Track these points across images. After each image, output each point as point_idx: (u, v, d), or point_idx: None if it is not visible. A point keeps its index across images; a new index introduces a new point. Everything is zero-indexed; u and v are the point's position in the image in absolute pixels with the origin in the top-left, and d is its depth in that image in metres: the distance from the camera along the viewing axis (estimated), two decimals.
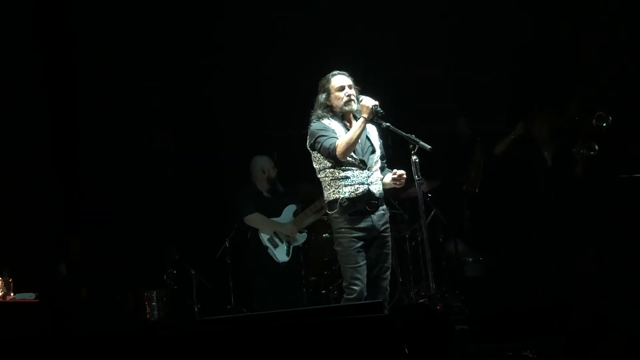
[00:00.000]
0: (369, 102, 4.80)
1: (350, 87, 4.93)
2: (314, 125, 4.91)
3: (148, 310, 6.83)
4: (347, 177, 4.83)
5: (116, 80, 7.68)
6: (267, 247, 6.59)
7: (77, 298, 7.14)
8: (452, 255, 7.36)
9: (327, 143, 4.80)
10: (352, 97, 4.90)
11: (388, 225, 4.95)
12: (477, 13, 7.59)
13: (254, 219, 6.60)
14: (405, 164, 4.88)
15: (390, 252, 4.94)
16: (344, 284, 4.84)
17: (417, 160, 4.80)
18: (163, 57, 7.69)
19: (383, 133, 5.08)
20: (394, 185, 4.91)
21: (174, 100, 7.80)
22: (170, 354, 3.93)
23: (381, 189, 4.93)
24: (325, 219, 6.41)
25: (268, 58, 7.71)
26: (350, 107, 4.91)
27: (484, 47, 7.59)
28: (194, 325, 4.77)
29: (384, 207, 4.96)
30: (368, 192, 4.83)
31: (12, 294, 5.98)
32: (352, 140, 4.74)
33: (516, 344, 4.63)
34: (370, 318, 3.90)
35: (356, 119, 4.89)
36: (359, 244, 4.79)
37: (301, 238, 6.77)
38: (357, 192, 4.81)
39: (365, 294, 4.75)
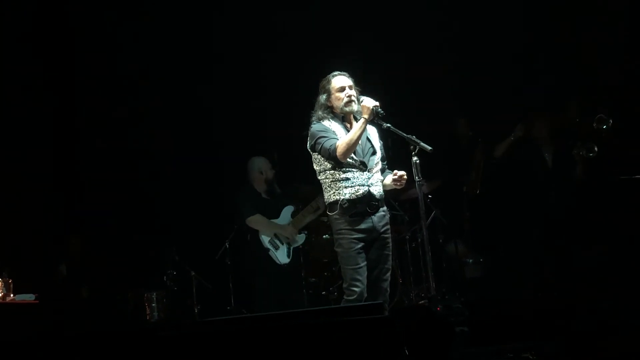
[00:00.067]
0: (369, 102, 4.79)
1: (350, 87, 4.92)
2: (315, 127, 4.90)
3: (148, 311, 6.83)
4: (347, 179, 4.82)
5: (116, 80, 7.69)
6: (268, 249, 6.58)
7: (77, 298, 7.14)
8: (453, 256, 7.35)
9: (327, 144, 4.79)
10: (353, 98, 4.90)
11: (388, 226, 4.94)
12: (477, 13, 7.59)
13: (255, 221, 6.60)
14: (405, 165, 4.87)
15: (390, 253, 4.93)
16: (344, 285, 4.83)
17: (417, 162, 4.79)
18: (163, 58, 7.69)
19: (383, 134, 5.07)
20: (394, 187, 4.90)
21: (174, 100, 7.80)
22: (170, 355, 3.93)
23: (381, 190, 4.93)
24: (326, 220, 6.42)
25: (268, 58, 7.71)
26: (350, 107, 4.90)
27: (484, 48, 7.59)
28: (194, 326, 4.77)
29: (385, 208, 4.96)
30: (368, 194, 4.82)
31: (12, 295, 5.99)
32: (352, 141, 4.74)
33: (516, 345, 4.63)
34: (370, 319, 3.91)
35: (357, 120, 4.89)
36: (359, 245, 4.79)
37: (300, 239, 6.77)
38: (357, 193, 4.81)
39: (366, 295, 4.74)
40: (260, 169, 6.82)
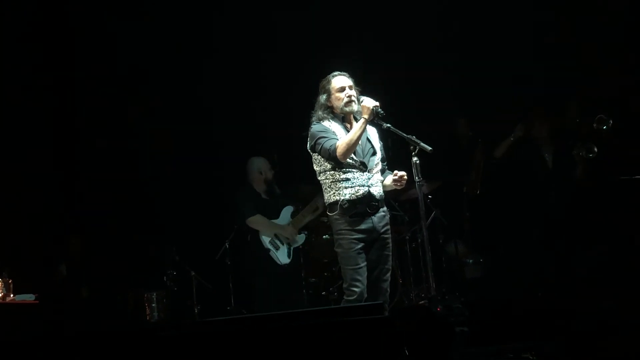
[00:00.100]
0: (369, 103, 4.79)
1: (350, 87, 4.92)
2: (315, 127, 4.90)
3: (148, 311, 6.82)
4: (347, 179, 4.82)
5: (116, 80, 7.68)
6: (269, 250, 6.58)
7: (77, 298, 7.13)
8: (453, 256, 7.35)
9: (327, 144, 4.79)
10: (353, 98, 4.90)
11: (388, 226, 4.94)
12: (477, 14, 7.59)
13: (256, 221, 6.60)
14: (405, 166, 4.87)
15: (390, 253, 4.93)
16: (344, 285, 4.83)
17: (417, 162, 4.79)
18: (163, 58, 7.68)
19: (383, 134, 5.07)
20: (394, 187, 4.90)
21: (174, 100, 7.79)
22: (170, 355, 3.93)
23: (382, 190, 4.93)
24: (326, 221, 6.41)
25: (268, 58, 7.71)
26: (350, 108, 4.90)
27: (484, 48, 7.59)
28: (194, 326, 4.77)
29: (385, 208, 4.96)
30: (368, 194, 4.82)
31: (11, 295, 5.98)
32: (352, 141, 4.74)
33: (516, 345, 4.63)
34: (370, 319, 3.91)
35: (357, 120, 4.89)
36: (359, 246, 4.79)
37: (300, 239, 6.77)
38: (357, 194, 4.80)
39: (366, 295, 4.75)
40: (260, 169, 6.82)
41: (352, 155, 4.81)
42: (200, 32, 7.74)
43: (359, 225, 4.80)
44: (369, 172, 4.87)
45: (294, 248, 6.71)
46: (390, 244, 4.94)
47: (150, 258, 7.35)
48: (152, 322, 6.78)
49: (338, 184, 4.83)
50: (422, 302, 6.74)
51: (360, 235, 4.79)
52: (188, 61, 7.78)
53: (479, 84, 7.54)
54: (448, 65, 7.65)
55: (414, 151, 4.76)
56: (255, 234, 6.62)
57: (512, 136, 7.07)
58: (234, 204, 6.75)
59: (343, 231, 4.81)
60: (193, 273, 7.14)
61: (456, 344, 4.43)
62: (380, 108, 4.79)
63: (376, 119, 4.83)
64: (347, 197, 4.80)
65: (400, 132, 4.81)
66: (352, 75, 4.98)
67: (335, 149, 4.76)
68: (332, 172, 4.85)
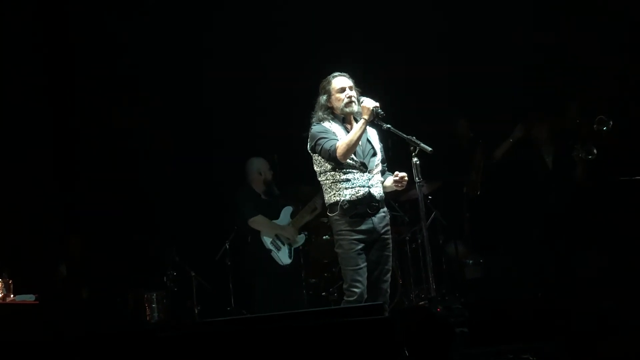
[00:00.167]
0: (369, 103, 4.79)
1: (351, 88, 4.92)
2: (315, 128, 4.90)
3: (148, 311, 6.83)
4: (348, 180, 4.82)
5: (116, 80, 7.68)
6: (270, 250, 6.58)
7: (77, 299, 7.13)
8: (453, 257, 7.35)
9: (327, 145, 4.79)
10: (353, 99, 4.90)
11: (389, 227, 4.94)
12: (477, 14, 7.59)
13: (257, 222, 6.60)
14: (405, 166, 4.87)
15: (390, 254, 4.93)
16: (345, 286, 4.83)
17: (417, 162, 4.79)
18: (163, 58, 7.69)
19: (383, 135, 5.07)
20: (395, 188, 4.89)
21: (174, 100, 7.80)
22: (170, 355, 3.93)
23: (382, 191, 4.93)
24: (326, 221, 6.42)
25: (268, 59, 7.71)
26: (350, 108, 4.90)
27: (484, 48, 7.58)
28: (194, 327, 4.78)
29: (385, 209, 4.96)
30: (369, 195, 4.82)
31: (12, 296, 5.98)
32: (352, 141, 4.74)
33: (516, 346, 4.63)
34: (370, 320, 3.91)
35: (357, 121, 4.89)
36: (359, 247, 4.79)
37: (301, 240, 6.78)
38: (357, 194, 4.80)
39: (366, 296, 4.74)
40: (259, 169, 6.82)
41: (353, 156, 4.81)
42: (200, 32, 7.74)
43: (359, 225, 4.80)
44: (369, 172, 4.87)
45: (294, 248, 6.71)
46: (391, 245, 4.94)
47: (150, 258, 7.35)
48: (152, 323, 6.79)
49: (338, 184, 4.83)
50: (422, 302, 6.74)
51: (360, 236, 4.79)
52: (188, 61, 7.78)
53: (480, 85, 7.54)
54: (448, 66, 7.64)
55: (414, 152, 4.76)
56: (256, 234, 6.62)
57: (512, 137, 7.07)
58: (234, 204, 6.75)
59: (343, 232, 4.81)
60: (193, 273, 7.14)
61: (456, 344, 4.43)
62: (380, 109, 4.79)
63: (376, 119, 4.83)
64: (348, 197, 4.80)
65: (401, 133, 4.81)
66: (352, 76, 4.98)
67: (335, 150, 4.76)
68: (333, 172, 4.85)
